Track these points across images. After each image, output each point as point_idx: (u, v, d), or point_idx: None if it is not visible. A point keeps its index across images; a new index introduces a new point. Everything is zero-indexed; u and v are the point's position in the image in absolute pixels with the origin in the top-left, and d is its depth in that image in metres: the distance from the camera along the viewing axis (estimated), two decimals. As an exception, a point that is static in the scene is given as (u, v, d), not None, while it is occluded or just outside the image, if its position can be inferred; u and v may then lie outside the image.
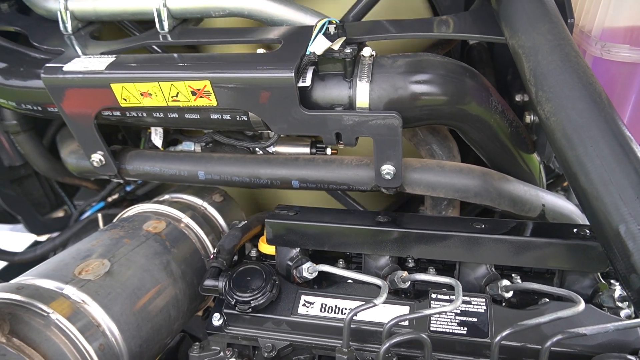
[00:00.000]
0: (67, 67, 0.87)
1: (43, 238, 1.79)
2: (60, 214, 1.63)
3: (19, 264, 1.46)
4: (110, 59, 0.88)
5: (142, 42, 0.97)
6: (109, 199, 1.48)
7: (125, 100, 0.87)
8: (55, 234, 1.55)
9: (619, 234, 0.56)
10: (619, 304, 0.74)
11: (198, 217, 1.10)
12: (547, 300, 0.78)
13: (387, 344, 0.63)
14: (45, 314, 0.72)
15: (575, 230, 0.78)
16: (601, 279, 0.79)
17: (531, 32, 0.68)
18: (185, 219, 1.07)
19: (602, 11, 0.69)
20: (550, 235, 0.77)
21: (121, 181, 1.07)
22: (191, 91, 0.83)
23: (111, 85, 0.85)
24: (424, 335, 0.66)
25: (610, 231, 0.57)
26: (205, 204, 1.16)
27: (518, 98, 1.03)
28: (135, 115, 0.92)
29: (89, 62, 0.88)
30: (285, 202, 1.37)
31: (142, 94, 0.86)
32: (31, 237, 1.90)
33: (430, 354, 0.66)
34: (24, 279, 0.79)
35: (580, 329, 0.62)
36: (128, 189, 1.47)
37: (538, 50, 0.66)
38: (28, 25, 1.06)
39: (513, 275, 0.83)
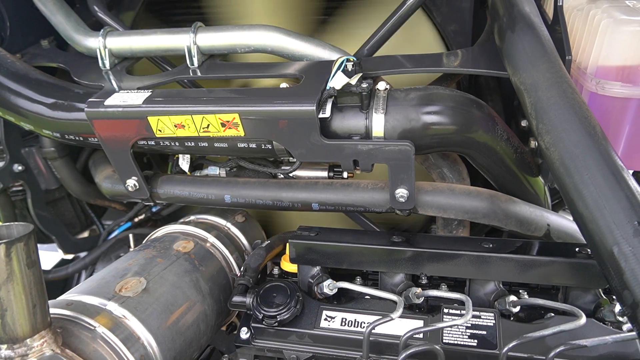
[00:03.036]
0: (108, 102, 0.95)
1: (69, 256, 1.87)
2: (86, 233, 1.72)
3: (51, 281, 1.55)
4: (147, 93, 0.96)
5: (174, 77, 1.06)
6: (136, 219, 1.56)
7: (160, 131, 0.95)
8: (83, 253, 1.64)
9: (612, 254, 0.61)
10: (620, 319, 0.79)
11: (222, 237, 1.18)
12: (553, 315, 0.84)
13: (404, 355, 0.70)
14: (92, 328, 0.80)
15: (577, 249, 0.84)
16: (602, 295, 0.84)
17: (531, 70, 0.75)
18: (211, 238, 1.15)
19: (596, 51, 0.76)
20: (553, 254, 0.83)
21: (152, 204, 1.15)
22: (221, 123, 0.91)
23: (148, 118, 0.94)
24: (437, 347, 0.72)
25: (604, 252, 0.62)
26: (229, 224, 1.23)
27: (524, 123, 1.10)
28: (168, 144, 1.00)
29: (127, 97, 0.96)
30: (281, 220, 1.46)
31: (175, 126, 0.94)
32: (55, 255, 1.99)
33: (444, 364, 0.72)
34: (70, 295, 0.87)
35: (581, 340, 0.68)
36: (154, 209, 1.55)
37: (538, 87, 0.73)
38: (68, 62, 1.16)
39: (520, 291, 0.89)
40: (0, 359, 0.68)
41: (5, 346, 0.68)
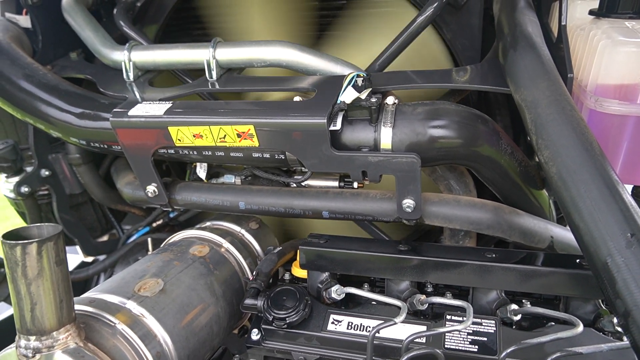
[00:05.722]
0: (131, 112, 1.01)
1: (89, 259, 1.95)
2: (106, 237, 1.79)
3: (72, 281, 1.61)
4: (168, 105, 1.02)
5: (193, 89, 1.11)
6: (154, 224, 1.62)
7: (179, 140, 1.01)
8: (102, 256, 1.71)
9: (606, 265, 0.64)
10: (619, 329, 0.82)
11: (236, 243, 1.22)
12: (553, 324, 0.86)
13: (405, 357, 0.73)
14: (113, 324, 0.85)
15: (577, 260, 0.86)
16: (602, 306, 0.86)
17: (532, 88, 0.78)
18: (226, 244, 1.20)
19: (595, 69, 0.80)
20: (554, 265, 0.86)
21: (170, 209, 1.20)
22: (237, 133, 0.96)
23: (168, 128, 0.99)
24: (438, 351, 0.75)
25: (599, 262, 0.65)
26: (243, 231, 1.28)
27: (530, 138, 1.13)
28: (187, 153, 1.06)
29: (149, 108, 1.02)
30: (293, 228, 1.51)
31: (194, 136, 0.99)
32: (74, 258, 2.06)
33: (444, 368, 0.75)
34: (93, 293, 0.92)
35: (576, 348, 0.70)
36: (171, 215, 1.61)
37: (538, 104, 0.76)
38: (95, 73, 1.23)
39: (524, 300, 0.91)
40: (29, 349, 0.73)
41: (34, 337, 0.73)
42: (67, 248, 1.72)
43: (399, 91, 1.05)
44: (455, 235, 1.15)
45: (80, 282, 1.77)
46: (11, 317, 1.82)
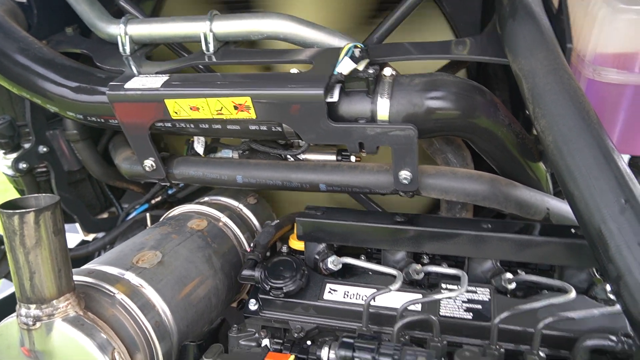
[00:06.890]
0: (128, 85, 1.01)
1: (89, 237, 1.95)
2: (105, 215, 1.79)
3: (73, 259, 1.62)
4: (164, 77, 1.02)
5: (190, 62, 1.11)
6: (153, 202, 1.62)
7: (176, 113, 1.01)
8: (101, 234, 1.71)
9: (599, 231, 0.65)
10: (611, 296, 0.83)
11: (235, 217, 1.23)
12: (547, 292, 0.87)
13: (400, 323, 0.74)
14: (112, 294, 0.86)
15: (572, 230, 0.87)
16: (596, 274, 0.87)
17: (530, 57, 0.78)
18: (224, 218, 1.21)
19: (594, 38, 0.79)
20: (549, 235, 0.86)
21: (168, 184, 1.20)
22: (234, 106, 0.96)
23: (165, 100, 0.99)
24: (432, 317, 0.76)
25: (592, 229, 0.66)
26: (241, 206, 1.29)
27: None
28: (184, 126, 1.05)
29: (146, 81, 1.01)
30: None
31: (191, 108, 0.99)
32: (73, 237, 2.07)
33: (439, 333, 0.76)
34: (92, 265, 0.93)
35: (568, 312, 0.71)
36: (170, 192, 1.62)
37: (535, 74, 0.76)
38: (91, 48, 1.21)
39: (519, 270, 0.92)
40: (29, 317, 0.74)
41: (34, 306, 0.74)
42: (66, 227, 1.74)
43: (397, 64, 1.05)
44: (452, 208, 1.15)
45: (80, 260, 1.78)
46: (10, 296, 1.84)
